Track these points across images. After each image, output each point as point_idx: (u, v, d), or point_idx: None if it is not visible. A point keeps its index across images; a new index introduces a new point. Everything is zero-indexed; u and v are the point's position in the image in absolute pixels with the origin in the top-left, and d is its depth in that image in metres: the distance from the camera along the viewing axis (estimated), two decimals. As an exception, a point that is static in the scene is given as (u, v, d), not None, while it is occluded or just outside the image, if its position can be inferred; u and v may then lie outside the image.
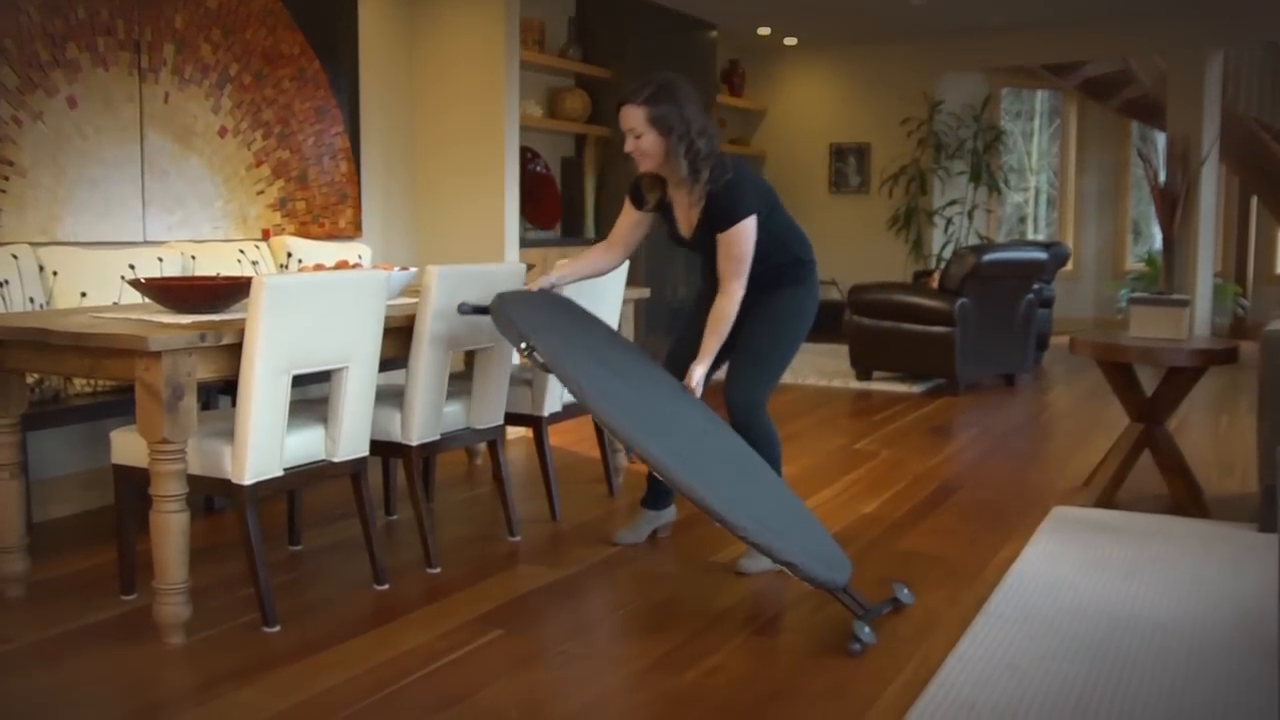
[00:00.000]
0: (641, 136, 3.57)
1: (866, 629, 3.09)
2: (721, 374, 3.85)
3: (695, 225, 3.71)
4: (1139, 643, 3.15)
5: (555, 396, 4.40)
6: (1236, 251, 11.42)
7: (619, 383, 3.42)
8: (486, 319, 3.66)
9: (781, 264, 3.77)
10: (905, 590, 3.44)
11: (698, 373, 3.65)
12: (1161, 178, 9.70)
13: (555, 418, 4.45)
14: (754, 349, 3.76)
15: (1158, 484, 4.83)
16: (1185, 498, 4.61)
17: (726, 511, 3.09)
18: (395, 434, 3.75)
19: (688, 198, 3.67)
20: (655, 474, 3.21)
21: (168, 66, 4.85)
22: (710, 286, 3.79)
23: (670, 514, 4.13)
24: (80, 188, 4.53)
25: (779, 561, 3.10)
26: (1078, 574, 3.74)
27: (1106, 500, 4.67)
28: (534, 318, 3.48)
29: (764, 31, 10.46)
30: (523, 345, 3.35)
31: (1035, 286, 8.02)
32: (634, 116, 3.57)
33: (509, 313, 3.45)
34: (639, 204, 3.82)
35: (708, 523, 4.30)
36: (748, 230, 3.59)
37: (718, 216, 3.62)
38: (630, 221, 3.86)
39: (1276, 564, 3.54)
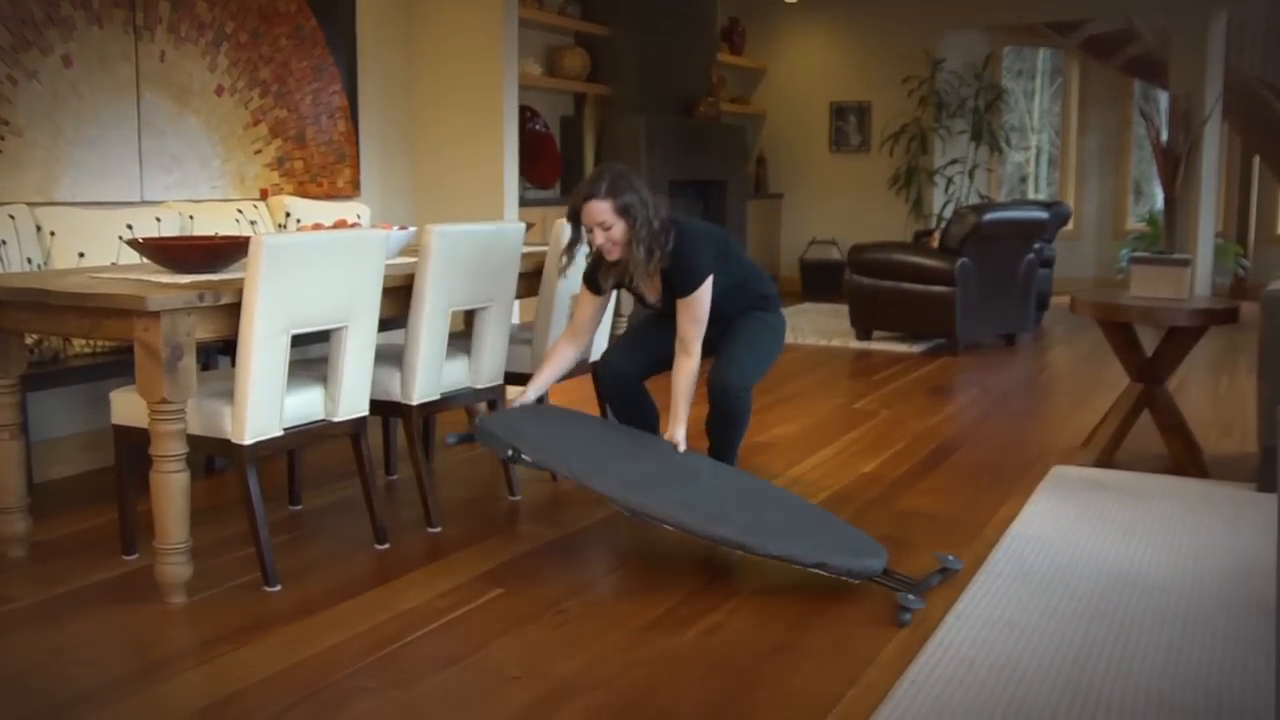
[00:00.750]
0: (611, 228, 3.57)
1: (911, 595, 3.07)
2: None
3: (661, 292, 3.77)
4: (1137, 601, 3.16)
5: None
6: (1238, 211, 11.37)
7: (605, 451, 3.54)
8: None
9: (747, 303, 3.90)
10: (951, 557, 3.41)
11: (679, 433, 3.68)
12: (1164, 137, 9.65)
13: (555, 378, 4.44)
14: (744, 339, 3.84)
15: (1157, 444, 4.83)
16: (1184, 457, 4.62)
17: (743, 537, 3.18)
18: (395, 393, 3.75)
19: (647, 272, 3.68)
20: (666, 527, 3.28)
21: (163, 24, 4.81)
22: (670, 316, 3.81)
23: None
24: (77, 147, 4.50)
25: (809, 565, 3.15)
26: (1077, 533, 3.75)
27: (1106, 460, 4.68)
28: (515, 425, 3.58)
29: (764, -12, 10.38)
30: (509, 452, 3.47)
31: (1036, 246, 8.00)
32: (601, 210, 3.55)
33: (490, 428, 3.55)
34: (597, 290, 3.84)
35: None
36: (704, 294, 3.67)
37: (677, 284, 3.68)
38: (591, 309, 3.87)
39: (1275, 523, 3.55)
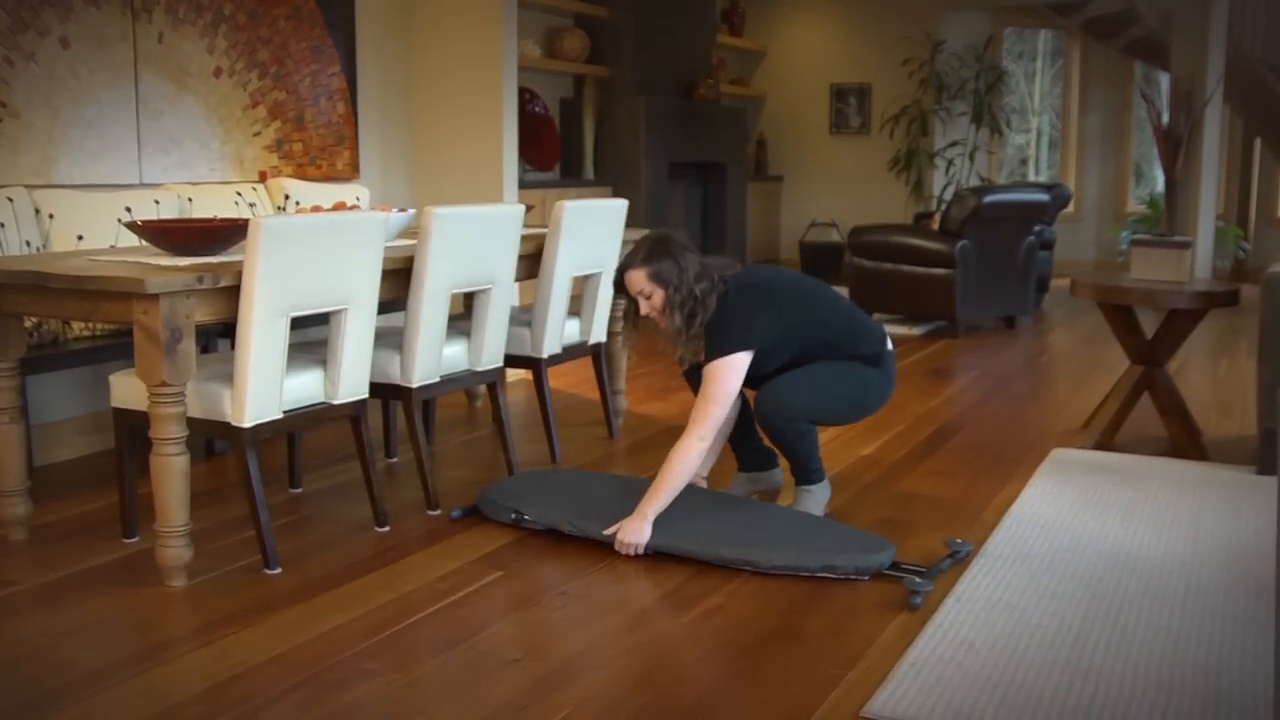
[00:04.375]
0: (651, 296, 3.48)
1: (918, 579, 3.08)
2: None
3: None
4: (1137, 583, 3.17)
5: (555, 338, 4.40)
6: (1239, 194, 11.35)
7: (603, 503, 3.55)
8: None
9: (838, 356, 3.58)
10: (959, 541, 3.41)
11: (630, 527, 3.33)
12: (1164, 119, 9.62)
13: (555, 360, 4.44)
14: (804, 374, 3.54)
15: (1157, 426, 4.83)
16: (1184, 440, 4.62)
17: (748, 554, 3.23)
18: (395, 376, 3.74)
19: (689, 338, 3.50)
20: (675, 553, 3.30)
21: (161, 5, 4.79)
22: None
23: (772, 478, 3.91)
24: (75, 129, 4.48)
25: (816, 571, 3.16)
26: (1076, 515, 3.75)
27: (1106, 442, 4.68)
28: (514, 489, 3.70)
29: (765, -30, 10.34)
30: (512, 516, 3.55)
31: (1036, 228, 7.99)
32: (638, 279, 3.48)
33: (491, 497, 3.66)
34: (691, 380, 3.76)
35: (707, 465, 4.31)
36: (725, 370, 3.39)
37: (705, 351, 3.47)
38: None
39: (1275, 506, 3.55)
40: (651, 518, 3.33)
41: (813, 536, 3.33)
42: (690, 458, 3.37)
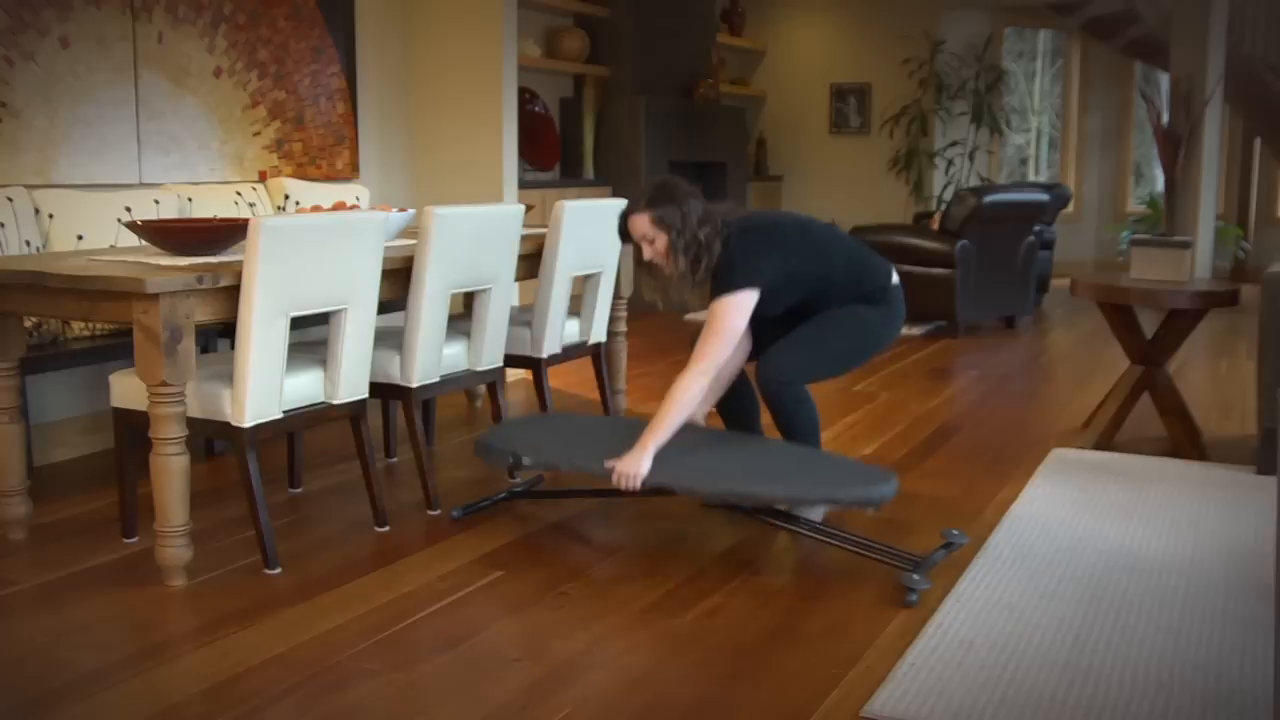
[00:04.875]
0: (654, 240, 3.48)
1: (916, 576, 3.08)
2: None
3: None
4: (1136, 583, 3.17)
5: (555, 338, 4.40)
6: (1239, 194, 11.35)
7: (602, 442, 3.52)
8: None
9: (848, 299, 3.59)
10: (956, 532, 3.42)
11: (630, 460, 3.29)
12: (1164, 119, 9.61)
13: (554, 359, 4.44)
14: (801, 332, 3.57)
15: (1157, 426, 4.83)
16: (1184, 440, 4.62)
17: (749, 487, 3.20)
18: (395, 376, 3.74)
19: (693, 283, 3.50)
20: (676, 493, 3.28)
21: (161, 5, 4.79)
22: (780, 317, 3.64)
23: None
24: (75, 129, 4.48)
25: (816, 501, 3.13)
26: (1076, 515, 3.75)
27: (1105, 442, 4.68)
28: (509, 434, 3.65)
29: (764, -30, 10.34)
30: (510, 460, 3.50)
31: (1036, 228, 7.99)
32: (641, 224, 3.48)
33: (487, 442, 3.61)
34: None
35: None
36: (729, 306, 3.38)
37: (713, 289, 3.46)
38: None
39: (1275, 506, 3.55)
40: (651, 451, 3.29)
41: (814, 469, 3.29)
42: (691, 392, 3.35)
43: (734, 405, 3.80)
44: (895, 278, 3.70)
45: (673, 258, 3.46)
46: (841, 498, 3.14)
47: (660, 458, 3.30)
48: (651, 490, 3.31)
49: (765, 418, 3.76)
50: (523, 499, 3.90)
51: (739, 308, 3.39)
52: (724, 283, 3.41)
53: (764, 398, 3.61)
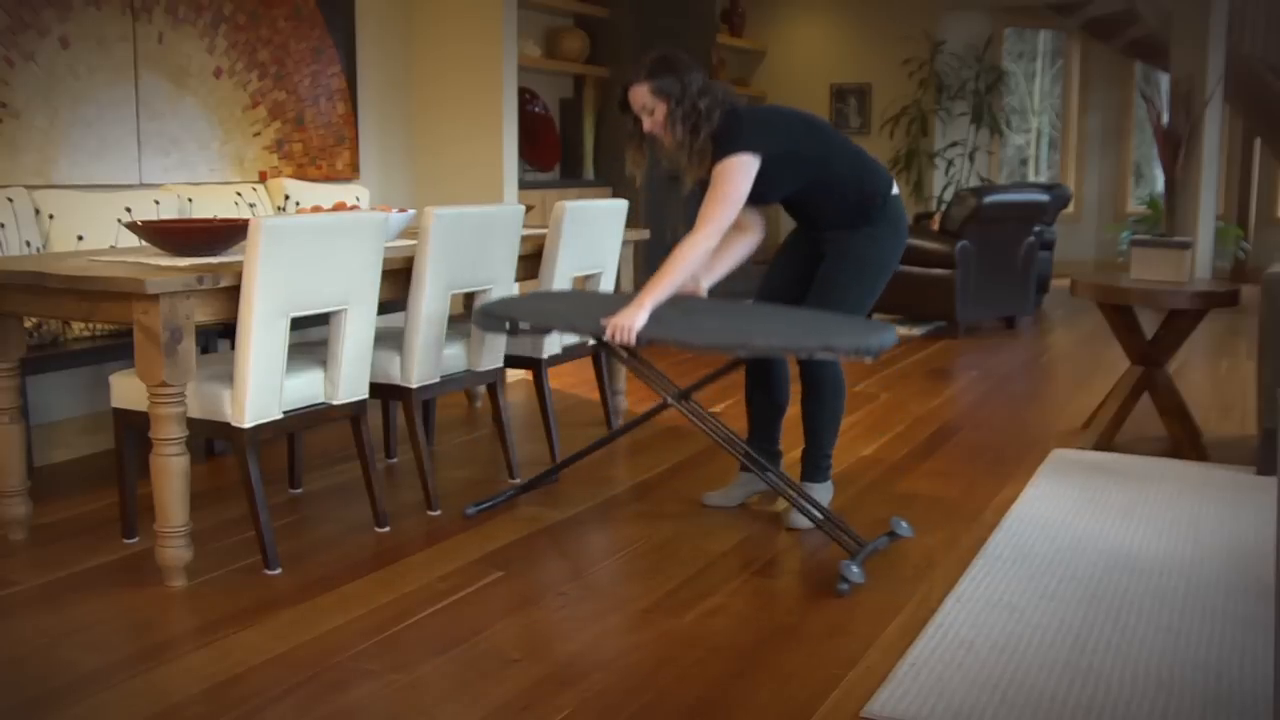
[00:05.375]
0: (654, 111, 3.49)
1: (855, 568, 3.11)
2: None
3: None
4: (1137, 583, 3.17)
5: (555, 339, 4.39)
6: (1239, 194, 11.35)
7: (599, 307, 3.50)
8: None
9: (845, 202, 3.58)
10: (904, 524, 3.46)
11: (624, 315, 3.30)
12: (1164, 119, 9.62)
13: (555, 360, 4.44)
14: (825, 295, 3.57)
15: (1157, 426, 4.83)
16: (1184, 440, 4.62)
17: (743, 338, 3.14)
18: (395, 377, 3.74)
19: (693, 153, 3.51)
20: (668, 343, 3.25)
21: (161, 5, 4.79)
22: (803, 230, 3.69)
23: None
24: (75, 129, 4.48)
25: (815, 352, 3.10)
26: (1076, 515, 3.75)
27: (1105, 442, 4.68)
28: (508, 304, 3.64)
29: (764, -30, 10.33)
30: (506, 325, 3.49)
31: (1036, 229, 7.99)
32: (640, 94, 3.50)
33: (486, 310, 3.59)
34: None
35: (708, 464, 4.33)
36: (735, 167, 3.37)
37: (715, 155, 3.46)
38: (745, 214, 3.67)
39: (1275, 506, 3.55)
40: (649, 307, 3.30)
41: (812, 323, 3.26)
42: (696, 253, 3.36)
43: (764, 376, 3.80)
44: (895, 188, 3.67)
45: (670, 127, 3.47)
46: (839, 345, 3.08)
47: (656, 317, 3.30)
48: (645, 344, 3.26)
49: (788, 413, 3.78)
50: (529, 497, 3.90)
51: (743, 169, 3.38)
52: (727, 145, 3.40)
53: (802, 368, 3.62)
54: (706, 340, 3.21)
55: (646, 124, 3.53)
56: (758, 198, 3.49)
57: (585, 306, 3.60)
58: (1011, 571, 3.25)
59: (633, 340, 3.27)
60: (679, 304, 3.43)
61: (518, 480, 4.12)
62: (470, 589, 3.12)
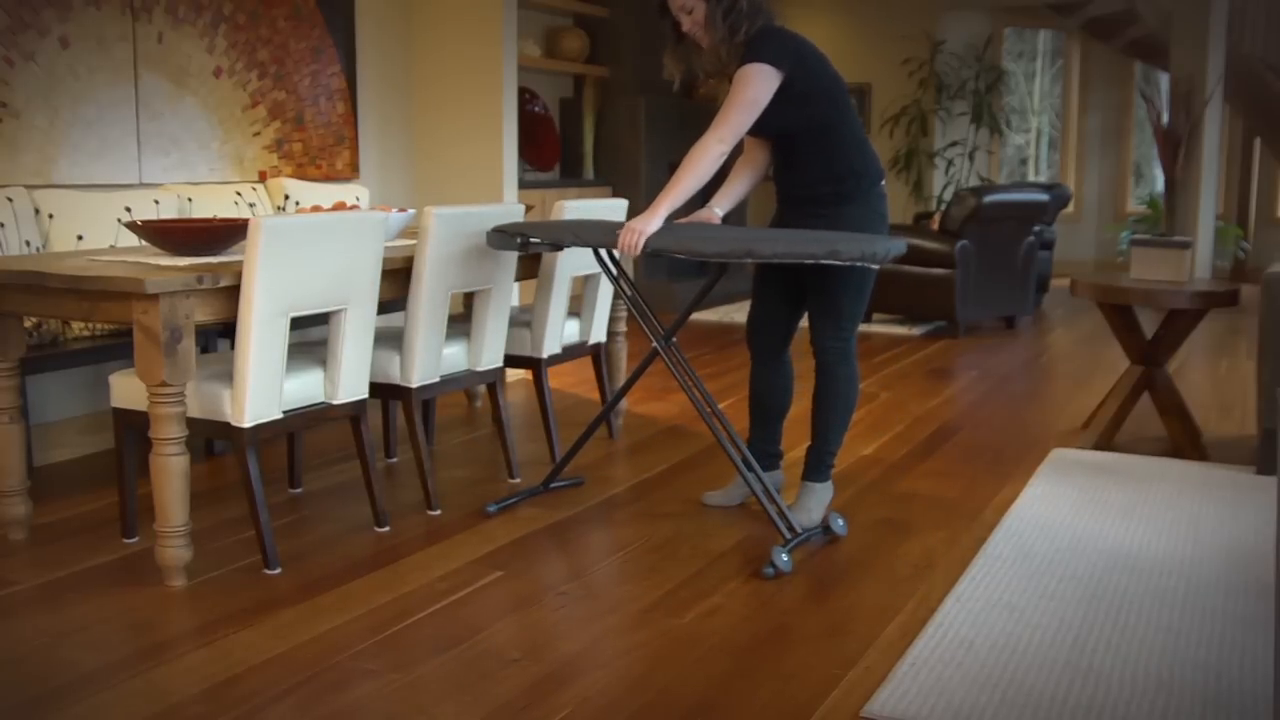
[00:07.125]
0: (693, 10, 3.49)
1: (784, 556, 3.22)
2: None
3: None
4: (1136, 582, 3.17)
5: (555, 338, 4.39)
6: (1239, 194, 11.36)
7: (612, 224, 3.58)
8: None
9: (831, 169, 3.55)
10: (840, 521, 3.54)
11: (654, 224, 3.33)
12: (1164, 119, 9.62)
13: (555, 360, 4.44)
14: (827, 292, 3.57)
15: (1156, 426, 4.83)
16: (1184, 440, 4.62)
17: (748, 245, 3.18)
18: (395, 376, 3.74)
19: (732, 48, 3.50)
20: (676, 253, 3.28)
21: (161, 5, 4.79)
22: (780, 203, 3.70)
23: (773, 479, 3.83)
24: (75, 129, 4.48)
25: (821, 258, 3.12)
26: (1076, 515, 3.75)
27: (1105, 442, 4.68)
28: (520, 226, 3.68)
29: (764, -30, 10.33)
30: (518, 240, 3.55)
31: (1036, 229, 7.99)
32: None
33: (499, 228, 3.63)
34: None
35: (707, 464, 4.33)
36: (756, 74, 3.37)
37: (743, 60, 3.44)
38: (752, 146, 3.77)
39: (1275, 506, 3.55)
40: (663, 213, 3.34)
41: (820, 235, 3.30)
42: (710, 157, 3.38)
43: (763, 399, 3.83)
44: (884, 184, 3.68)
45: (710, 25, 3.46)
46: (844, 251, 3.10)
47: (669, 230, 3.35)
48: (651, 251, 3.29)
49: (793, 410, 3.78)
50: (550, 494, 3.90)
51: (765, 77, 3.38)
52: (755, 51, 3.41)
53: (819, 367, 3.64)
54: (714, 249, 3.23)
55: (685, 24, 3.53)
56: (759, 125, 3.48)
57: (597, 224, 3.65)
58: (1011, 571, 3.25)
59: (641, 246, 3.29)
60: (693, 228, 3.49)
61: (518, 480, 4.12)
62: (470, 589, 3.12)
